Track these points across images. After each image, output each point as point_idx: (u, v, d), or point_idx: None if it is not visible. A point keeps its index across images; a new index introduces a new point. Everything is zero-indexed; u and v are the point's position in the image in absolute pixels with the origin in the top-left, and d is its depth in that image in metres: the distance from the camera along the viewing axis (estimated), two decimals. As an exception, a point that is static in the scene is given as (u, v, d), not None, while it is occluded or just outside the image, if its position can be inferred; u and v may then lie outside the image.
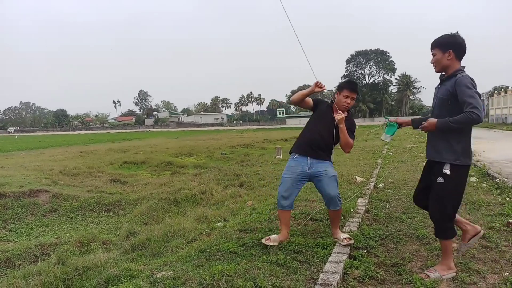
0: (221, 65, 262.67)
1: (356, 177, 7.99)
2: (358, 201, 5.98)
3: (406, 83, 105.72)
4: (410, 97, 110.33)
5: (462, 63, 3.41)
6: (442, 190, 3.34)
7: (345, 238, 4.07)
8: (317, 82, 4.00)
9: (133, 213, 8.08)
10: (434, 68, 3.51)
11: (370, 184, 7.40)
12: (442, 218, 3.39)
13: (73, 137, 55.10)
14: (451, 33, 3.51)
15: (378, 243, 4.27)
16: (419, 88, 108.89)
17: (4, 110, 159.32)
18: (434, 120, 3.27)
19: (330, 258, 3.67)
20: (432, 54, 3.48)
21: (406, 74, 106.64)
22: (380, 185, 7.37)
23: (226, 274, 3.40)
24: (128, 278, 3.77)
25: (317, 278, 3.28)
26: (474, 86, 3.18)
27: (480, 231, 3.66)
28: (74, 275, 4.33)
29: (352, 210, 5.42)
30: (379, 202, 6.08)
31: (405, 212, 5.49)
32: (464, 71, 3.33)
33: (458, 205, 3.45)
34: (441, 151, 3.37)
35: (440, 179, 3.35)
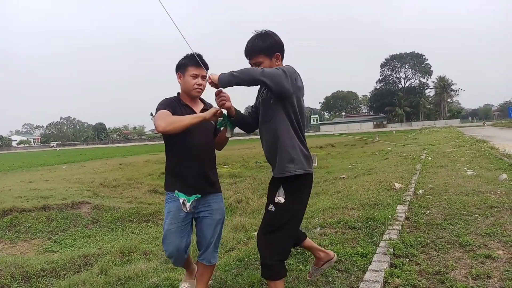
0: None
1: (395, 183, 7.83)
2: (397, 208, 5.86)
3: (443, 85, 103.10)
4: (448, 100, 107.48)
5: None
6: None
7: None
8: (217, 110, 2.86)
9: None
10: None
11: (409, 191, 7.23)
12: None
13: (112, 149, 56.64)
14: (261, 31, 2.93)
15: (419, 250, 4.17)
16: (456, 90, 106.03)
17: (47, 126, 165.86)
18: (216, 74, 2.70)
19: (370, 267, 3.61)
20: (254, 63, 2.91)
21: (443, 76, 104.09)
22: (420, 191, 7.19)
23: (265, 283, 3.40)
24: (168, 287, 3.83)
25: (357, 287, 3.23)
26: (287, 72, 2.68)
27: (334, 256, 3.46)
28: (116, 285, 4.42)
29: (391, 217, 5.31)
30: (419, 209, 5.93)
31: (446, 218, 5.33)
32: None
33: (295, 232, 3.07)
34: None
35: None
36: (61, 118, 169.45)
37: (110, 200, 10.84)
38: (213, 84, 2.72)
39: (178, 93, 3.28)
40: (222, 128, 3.15)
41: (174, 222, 3.13)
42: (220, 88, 2.81)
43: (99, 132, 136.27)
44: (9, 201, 9.60)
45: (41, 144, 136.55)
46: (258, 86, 3.00)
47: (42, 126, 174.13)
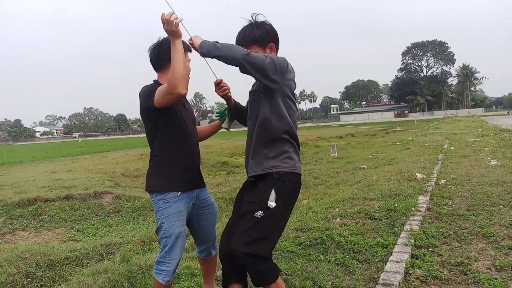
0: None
1: (416, 173, 7.72)
2: (419, 198, 5.78)
3: (467, 74, 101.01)
4: (471, 88, 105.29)
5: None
6: None
7: None
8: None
9: (192, 213, 8.25)
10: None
11: (431, 181, 7.13)
12: None
13: (133, 140, 57.30)
14: (254, 20, 2.73)
15: (441, 241, 4.11)
16: (480, 79, 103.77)
17: (69, 117, 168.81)
18: (199, 37, 2.50)
19: (390, 258, 3.58)
20: None
21: (466, 64, 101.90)
22: (442, 182, 7.08)
23: (285, 273, 3.41)
24: (189, 276, 3.87)
25: (378, 278, 3.21)
26: (276, 62, 2.46)
27: None
28: (137, 273, 4.48)
29: (413, 208, 5.24)
30: (441, 199, 5.84)
31: (469, 209, 5.24)
32: None
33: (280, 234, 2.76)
34: None
35: None
36: (84, 109, 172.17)
37: (131, 190, 10.98)
38: (192, 46, 2.54)
39: (155, 81, 2.87)
40: (218, 119, 3.10)
41: (183, 224, 2.87)
42: (220, 78, 2.77)
43: (120, 123, 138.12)
44: (34, 191, 9.80)
45: (64, 135, 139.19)
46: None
47: (65, 117, 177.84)
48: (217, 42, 2.39)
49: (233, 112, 2.98)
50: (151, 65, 2.90)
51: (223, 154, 21.12)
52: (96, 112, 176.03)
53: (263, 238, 2.46)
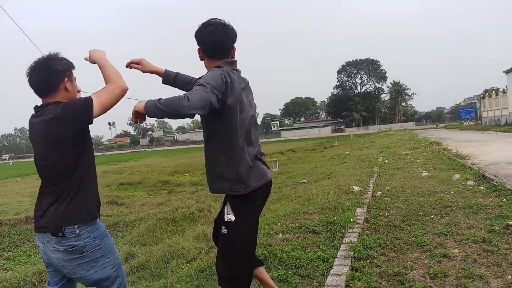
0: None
1: (354, 186, 7.96)
2: (356, 211, 5.94)
3: (398, 90, 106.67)
4: (403, 104, 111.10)
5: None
6: None
7: None
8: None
9: (131, 235, 7.99)
10: None
11: (368, 193, 7.37)
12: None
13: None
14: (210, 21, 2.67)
15: (379, 252, 4.23)
16: (411, 95, 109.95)
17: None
18: (144, 100, 2.34)
19: (331, 271, 3.63)
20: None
21: (397, 81, 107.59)
22: (378, 194, 7.34)
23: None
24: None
25: (320, 292, 3.24)
26: (219, 82, 2.38)
27: None
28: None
29: (351, 220, 5.38)
30: (378, 211, 6.04)
31: (404, 219, 5.46)
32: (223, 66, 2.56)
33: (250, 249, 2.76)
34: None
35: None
36: (15, 129, 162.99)
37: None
38: (138, 115, 2.37)
39: (56, 102, 2.42)
40: None
41: None
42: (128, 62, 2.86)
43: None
44: (-44, 219, 9.09)
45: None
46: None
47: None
48: (157, 102, 2.23)
49: (164, 79, 3.02)
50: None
51: (164, 172, 20.72)
52: (28, 132, 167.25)
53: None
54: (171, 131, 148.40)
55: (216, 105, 2.34)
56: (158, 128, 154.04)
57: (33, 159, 2.52)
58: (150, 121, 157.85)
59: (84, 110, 2.33)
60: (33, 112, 2.48)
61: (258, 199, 2.65)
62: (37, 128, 2.40)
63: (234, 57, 2.71)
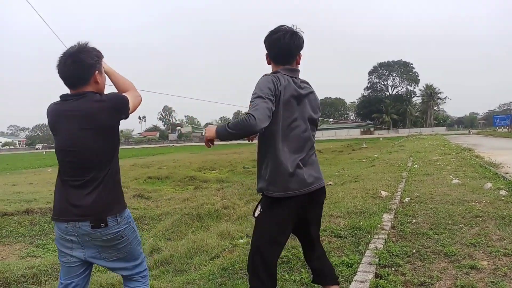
0: (247, 76, 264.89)
1: (381, 191, 7.85)
2: (383, 216, 5.85)
3: (430, 94, 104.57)
4: (435, 108, 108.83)
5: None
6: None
7: None
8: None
9: (157, 229, 8.11)
10: None
11: (395, 199, 7.25)
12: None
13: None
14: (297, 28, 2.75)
15: (404, 260, 4.16)
16: (443, 99, 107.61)
17: (33, 127, 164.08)
18: (213, 126, 2.53)
19: (355, 277, 3.59)
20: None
21: (430, 84, 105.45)
22: (406, 200, 7.21)
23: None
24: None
25: (342, 298, 3.21)
26: (270, 87, 2.49)
27: None
28: (98, 293, 4.34)
29: (378, 226, 5.30)
30: (405, 218, 5.93)
31: (431, 227, 5.34)
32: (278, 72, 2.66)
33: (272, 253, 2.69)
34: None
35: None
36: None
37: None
38: (209, 140, 2.54)
39: (89, 92, 2.47)
40: None
41: None
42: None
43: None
44: (-9, 205, 9.42)
45: (27, 146, 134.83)
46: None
47: (28, 128, 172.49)
48: (227, 126, 2.40)
49: None
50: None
51: (191, 168, 20.94)
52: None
53: None
54: (199, 127, 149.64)
55: (273, 108, 2.47)
56: (187, 124, 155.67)
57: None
58: (179, 117, 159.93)
59: (126, 105, 2.51)
60: (59, 100, 2.50)
61: (292, 208, 2.62)
62: (73, 114, 2.40)
63: (299, 63, 2.79)
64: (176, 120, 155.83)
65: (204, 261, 5.18)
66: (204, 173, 19.32)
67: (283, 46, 2.67)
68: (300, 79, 2.73)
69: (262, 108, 2.35)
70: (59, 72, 2.47)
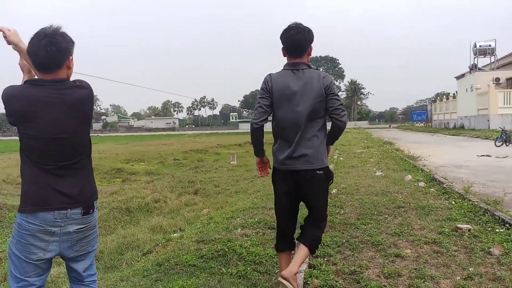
0: (176, 65, 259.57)
1: (311, 183, 8.07)
2: (314, 208, 6.03)
3: (354, 89, 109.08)
4: (358, 102, 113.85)
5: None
6: None
7: None
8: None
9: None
10: None
11: (324, 191, 7.48)
12: None
13: (16, 142, 52.38)
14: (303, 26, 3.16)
15: (335, 250, 4.33)
16: (366, 94, 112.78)
17: None
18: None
19: (290, 268, 3.67)
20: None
21: (354, 80, 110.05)
22: (334, 191, 7.50)
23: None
24: None
25: (279, 290, 3.27)
26: (263, 87, 3.12)
27: None
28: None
29: (308, 217, 5.46)
30: (334, 208, 6.17)
31: (359, 218, 5.61)
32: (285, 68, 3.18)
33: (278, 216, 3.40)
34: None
35: None
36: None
37: (14, 198, 10.01)
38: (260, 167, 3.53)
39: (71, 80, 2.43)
40: None
41: None
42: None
43: (1, 123, 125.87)
44: None
45: None
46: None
47: None
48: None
49: None
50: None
51: (118, 160, 20.26)
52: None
53: None
54: (126, 117, 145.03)
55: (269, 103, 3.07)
56: (113, 113, 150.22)
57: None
58: (104, 105, 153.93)
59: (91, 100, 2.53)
60: (30, 84, 2.31)
61: (279, 179, 3.23)
62: (59, 102, 2.27)
63: (310, 54, 3.23)
64: (101, 109, 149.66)
65: (136, 257, 5.07)
66: (132, 165, 18.78)
67: (291, 41, 3.09)
68: (303, 69, 3.10)
69: (256, 109, 3.07)
70: (32, 54, 2.28)
